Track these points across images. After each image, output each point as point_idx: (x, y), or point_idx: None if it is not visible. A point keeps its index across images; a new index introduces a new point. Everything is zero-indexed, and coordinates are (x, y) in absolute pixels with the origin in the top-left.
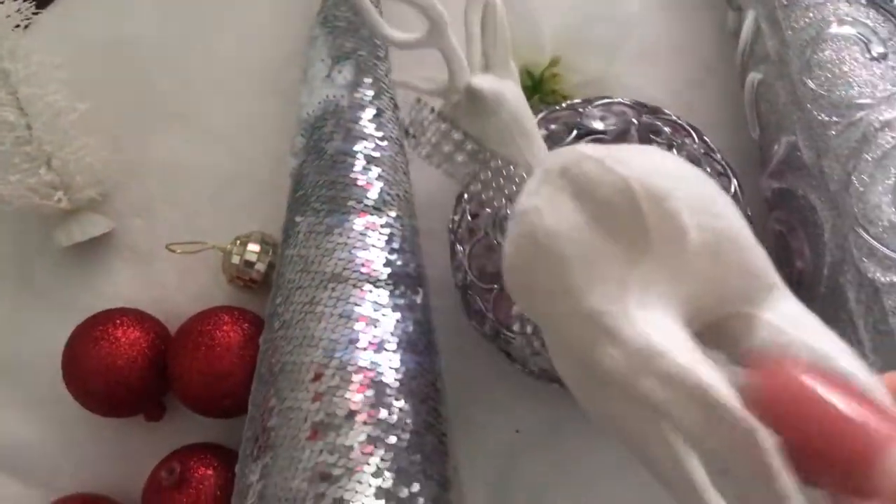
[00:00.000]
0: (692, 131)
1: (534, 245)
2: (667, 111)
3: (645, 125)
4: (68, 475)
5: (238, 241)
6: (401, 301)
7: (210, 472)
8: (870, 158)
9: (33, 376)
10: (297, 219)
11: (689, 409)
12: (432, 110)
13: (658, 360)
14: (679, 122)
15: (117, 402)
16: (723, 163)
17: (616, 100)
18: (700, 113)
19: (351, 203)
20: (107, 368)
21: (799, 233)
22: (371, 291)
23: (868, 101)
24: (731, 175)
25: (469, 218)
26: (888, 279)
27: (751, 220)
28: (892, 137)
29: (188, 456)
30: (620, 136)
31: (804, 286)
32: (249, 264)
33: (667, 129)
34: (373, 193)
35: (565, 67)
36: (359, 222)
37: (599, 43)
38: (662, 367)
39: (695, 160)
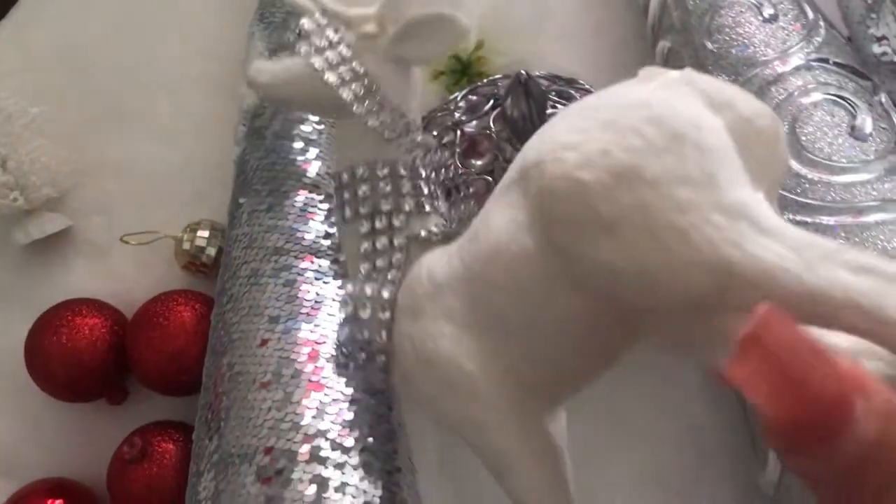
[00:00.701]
0: None
1: (667, 129)
2: (581, 81)
3: (557, 93)
4: (34, 464)
5: (188, 229)
6: (341, 270)
7: (171, 445)
8: None
9: None
10: (241, 200)
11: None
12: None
13: (846, 252)
14: (592, 90)
15: (80, 387)
16: None
17: (539, 72)
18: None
19: (290, 182)
20: (68, 354)
21: None
22: (312, 262)
23: (761, 58)
24: None
25: None
26: (786, 217)
27: None
28: (783, 90)
29: (149, 432)
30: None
31: None
32: (200, 250)
33: (577, 96)
34: (311, 171)
35: (490, 50)
36: (298, 199)
37: (521, 25)
38: (854, 259)
39: None
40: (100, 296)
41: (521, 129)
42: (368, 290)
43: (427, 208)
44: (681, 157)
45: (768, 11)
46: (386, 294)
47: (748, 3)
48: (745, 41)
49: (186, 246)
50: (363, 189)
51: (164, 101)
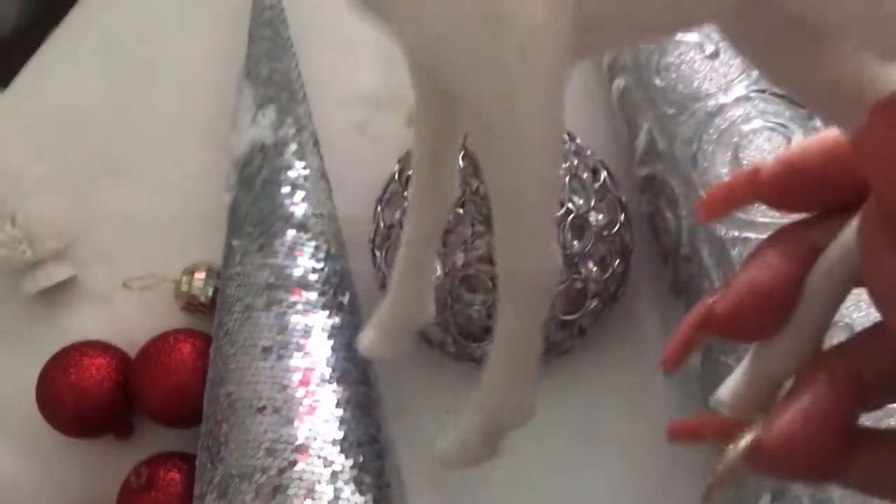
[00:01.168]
0: (567, 136)
1: None
2: None
3: None
4: (48, 499)
5: (186, 272)
6: (329, 301)
7: (176, 474)
8: (709, 139)
9: (8, 413)
10: (234, 242)
11: None
12: None
13: None
14: None
15: (88, 423)
16: (594, 158)
17: None
18: (584, 123)
19: (279, 223)
20: (76, 392)
21: (663, 211)
22: (301, 295)
23: (705, 92)
24: (601, 168)
25: (383, 225)
26: (731, 234)
27: (625, 205)
28: (726, 119)
29: (155, 463)
30: None
31: (671, 254)
32: (197, 290)
33: None
34: (298, 213)
35: None
36: (287, 238)
37: None
38: None
39: (566, 157)
40: (105, 338)
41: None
42: None
43: None
44: None
45: (710, 49)
46: None
47: (692, 42)
48: (690, 77)
49: (185, 288)
50: None
51: (160, 153)
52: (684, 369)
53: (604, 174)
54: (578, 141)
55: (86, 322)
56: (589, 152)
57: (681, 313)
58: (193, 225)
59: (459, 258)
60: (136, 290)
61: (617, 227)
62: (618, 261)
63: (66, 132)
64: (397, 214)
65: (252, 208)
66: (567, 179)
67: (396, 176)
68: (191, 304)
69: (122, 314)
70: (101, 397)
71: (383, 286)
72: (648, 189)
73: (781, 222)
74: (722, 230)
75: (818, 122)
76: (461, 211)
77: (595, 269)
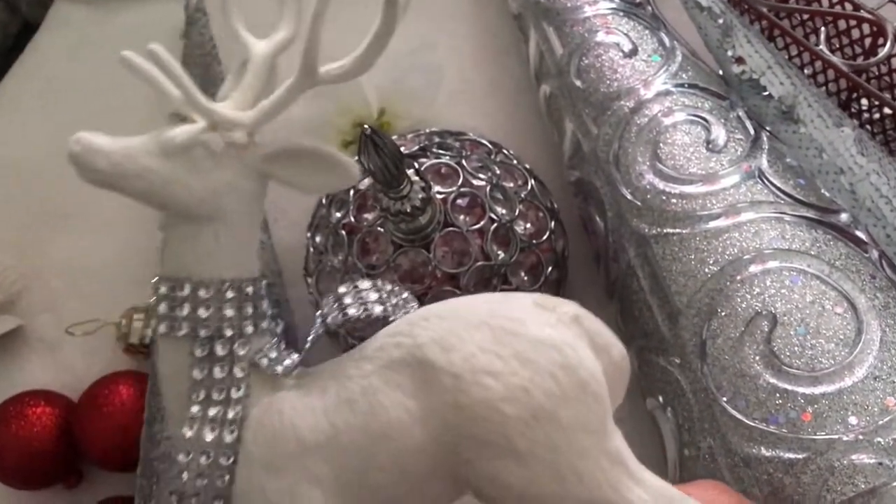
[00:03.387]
0: (491, 146)
1: (576, 378)
2: (469, 133)
3: (438, 144)
4: None
5: (126, 315)
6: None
7: None
8: (629, 138)
9: None
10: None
11: None
12: None
13: (681, 500)
14: (480, 140)
15: (34, 474)
16: (521, 167)
17: (425, 130)
18: (515, 132)
19: None
20: (20, 443)
21: (592, 214)
22: None
23: (625, 90)
24: (528, 177)
25: (313, 251)
26: (653, 231)
27: (556, 212)
28: (646, 115)
29: None
30: (418, 154)
31: (601, 253)
32: (136, 332)
33: (456, 145)
34: None
35: (392, 116)
36: None
37: (417, 90)
38: None
39: (485, 166)
40: (53, 386)
41: (382, 179)
42: (209, 436)
43: (264, 326)
44: (586, 407)
45: (627, 47)
46: (228, 439)
47: (609, 42)
48: (609, 77)
49: (125, 330)
50: (203, 310)
51: (97, 198)
52: None
53: (531, 182)
54: (505, 151)
55: (32, 371)
56: (515, 161)
57: (614, 316)
58: (136, 268)
59: (387, 277)
60: (81, 336)
61: (547, 235)
62: (550, 268)
63: (6, 186)
64: (326, 239)
65: None
66: (488, 190)
67: (324, 200)
68: (132, 346)
69: (68, 361)
70: (44, 447)
71: (317, 309)
72: (579, 193)
73: (702, 214)
74: (644, 227)
75: (740, 112)
76: (381, 230)
77: (526, 278)
